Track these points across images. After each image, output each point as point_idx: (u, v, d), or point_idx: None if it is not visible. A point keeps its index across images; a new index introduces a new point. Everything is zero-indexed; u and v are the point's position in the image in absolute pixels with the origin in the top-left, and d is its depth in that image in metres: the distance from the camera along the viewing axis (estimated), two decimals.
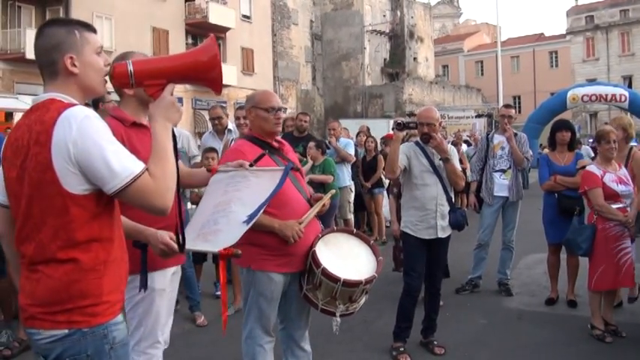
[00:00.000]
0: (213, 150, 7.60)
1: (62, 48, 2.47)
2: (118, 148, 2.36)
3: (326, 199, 4.18)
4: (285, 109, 4.28)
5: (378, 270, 4.02)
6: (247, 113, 4.28)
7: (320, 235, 4.09)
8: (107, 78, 2.64)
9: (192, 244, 3.21)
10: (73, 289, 2.38)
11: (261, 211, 3.42)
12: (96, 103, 7.02)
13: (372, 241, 4.30)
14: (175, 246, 3.04)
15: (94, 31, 2.61)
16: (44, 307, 2.39)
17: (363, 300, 4.13)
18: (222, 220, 3.37)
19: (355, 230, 4.46)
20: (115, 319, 2.50)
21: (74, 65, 2.48)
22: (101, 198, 2.41)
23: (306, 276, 4.03)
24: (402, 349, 5.83)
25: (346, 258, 4.08)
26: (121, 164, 2.31)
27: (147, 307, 3.55)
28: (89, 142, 2.30)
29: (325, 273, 3.85)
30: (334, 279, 3.83)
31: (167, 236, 3.10)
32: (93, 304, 2.42)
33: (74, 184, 2.34)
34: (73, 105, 2.39)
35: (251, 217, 3.33)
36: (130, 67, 2.53)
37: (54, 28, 2.51)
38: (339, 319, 3.98)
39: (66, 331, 2.38)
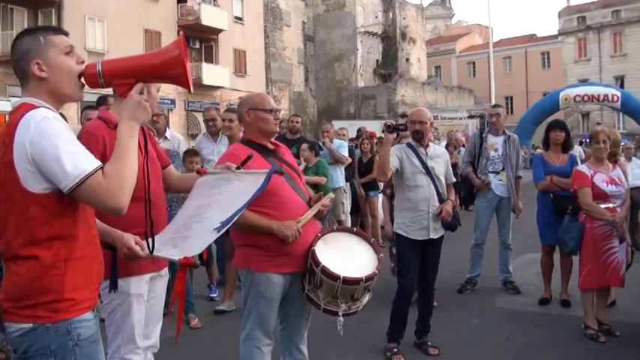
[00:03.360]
0: (195, 154, 7.57)
1: (29, 55, 2.56)
2: (73, 148, 2.42)
3: (325, 200, 4.19)
4: (280, 110, 4.32)
5: (379, 267, 4.02)
6: (245, 116, 4.26)
7: (319, 235, 4.09)
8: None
9: (159, 249, 3.13)
10: (35, 285, 2.46)
11: (236, 217, 3.30)
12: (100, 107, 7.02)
13: (372, 239, 4.30)
14: (139, 251, 3.06)
15: (64, 33, 2.67)
16: (13, 302, 2.49)
17: (366, 298, 4.10)
18: (195, 225, 3.29)
19: (355, 229, 4.47)
20: (80, 316, 2.56)
21: (42, 70, 2.55)
22: (62, 197, 2.46)
23: (307, 276, 4.02)
24: (395, 349, 5.84)
25: (346, 256, 4.07)
26: (73, 163, 2.37)
27: (124, 312, 3.53)
28: (44, 141, 2.36)
29: (325, 271, 3.84)
30: (334, 277, 3.82)
31: (132, 240, 3.10)
32: (55, 301, 2.49)
33: (33, 183, 2.41)
34: (37, 107, 2.46)
35: (224, 224, 3.22)
36: (99, 67, 2.61)
37: (22, 38, 2.61)
38: (342, 318, 3.96)
39: (31, 324, 2.47)
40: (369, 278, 3.91)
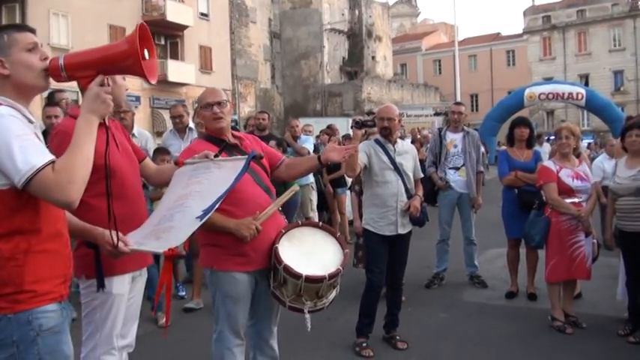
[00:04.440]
0: (166, 152, 7.51)
1: None
2: (25, 144, 2.44)
3: (287, 196, 4.13)
4: (227, 101, 4.16)
5: (344, 263, 3.95)
6: (199, 113, 4.24)
7: (284, 231, 4.02)
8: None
9: (140, 243, 3.10)
10: None
11: (218, 204, 3.32)
12: (51, 102, 6.95)
13: (338, 233, 4.24)
14: (122, 247, 3.02)
15: (29, 30, 2.72)
16: None
17: (333, 294, 4.04)
18: (177, 215, 3.27)
19: (321, 223, 4.41)
20: (42, 307, 2.58)
21: (4, 67, 2.60)
22: (21, 192, 2.47)
23: (272, 273, 3.95)
24: (364, 344, 5.86)
25: (311, 253, 4.00)
26: (24, 159, 2.40)
27: (105, 312, 3.50)
28: None
29: (287, 270, 3.78)
30: (296, 276, 3.76)
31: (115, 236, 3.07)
32: (15, 292, 2.52)
33: None
34: None
35: (206, 211, 3.24)
36: (61, 61, 2.64)
37: None
38: (307, 315, 3.89)
39: None
40: (332, 276, 3.84)
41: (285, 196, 4.12)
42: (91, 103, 2.61)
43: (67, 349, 2.70)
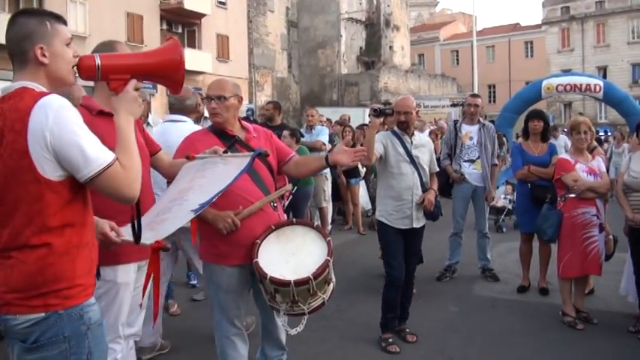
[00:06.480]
0: None
1: (33, 38, 2.53)
2: (91, 137, 2.46)
3: (275, 195, 4.12)
4: (231, 96, 4.13)
5: (330, 254, 3.82)
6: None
7: (274, 227, 4.00)
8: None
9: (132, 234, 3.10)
10: (47, 273, 2.45)
11: (214, 199, 3.31)
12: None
13: (316, 223, 4.20)
14: (114, 237, 3.05)
15: (65, 22, 2.69)
16: (20, 293, 2.44)
17: (330, 288, 3.93)
18: (175, 208, 3.29)
19: (316, 224, 4.23)
20: (89, 300, 2.59)
21: (44, 55, 2.54)
22: (74, 184, 2.49)
23: (262, 287, 3.91)
24: (390, 339, 5.84)
25: (295, 253, 3.91)
26: (94, 152, 2.42)
27: (109, 300, 3.53)
28: (66, 131, 2.38)
29: (274, 281, 3.71)
30: (284, 283, 3.69)
31: (107, 226, 3.08)
32: (67, 287, 2.49)
33: (50, 171, 2.41)
34: (48, 94, 2.46)
35: (202, 205, 3.23)
36: (98, 61, 2.63)
37: (26, 18, 2.58)
38: (306, 316, 3.83)
39: (42, 314, 2.44)
40: (317, 275, 3.72)
41: (274, 194, 4.11)
42: (130, 106, 2.66)
43: (106, 339, 2.79)
